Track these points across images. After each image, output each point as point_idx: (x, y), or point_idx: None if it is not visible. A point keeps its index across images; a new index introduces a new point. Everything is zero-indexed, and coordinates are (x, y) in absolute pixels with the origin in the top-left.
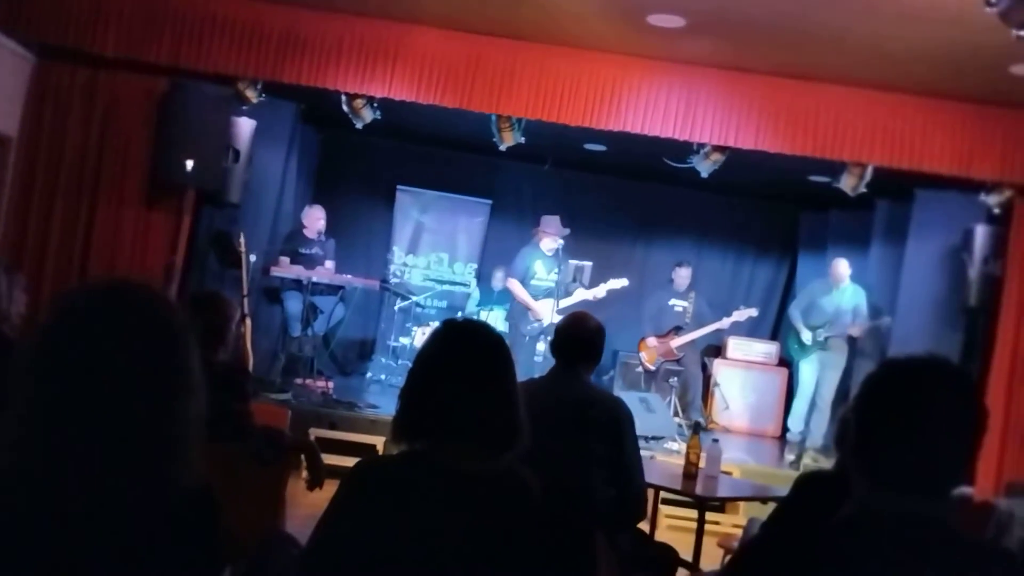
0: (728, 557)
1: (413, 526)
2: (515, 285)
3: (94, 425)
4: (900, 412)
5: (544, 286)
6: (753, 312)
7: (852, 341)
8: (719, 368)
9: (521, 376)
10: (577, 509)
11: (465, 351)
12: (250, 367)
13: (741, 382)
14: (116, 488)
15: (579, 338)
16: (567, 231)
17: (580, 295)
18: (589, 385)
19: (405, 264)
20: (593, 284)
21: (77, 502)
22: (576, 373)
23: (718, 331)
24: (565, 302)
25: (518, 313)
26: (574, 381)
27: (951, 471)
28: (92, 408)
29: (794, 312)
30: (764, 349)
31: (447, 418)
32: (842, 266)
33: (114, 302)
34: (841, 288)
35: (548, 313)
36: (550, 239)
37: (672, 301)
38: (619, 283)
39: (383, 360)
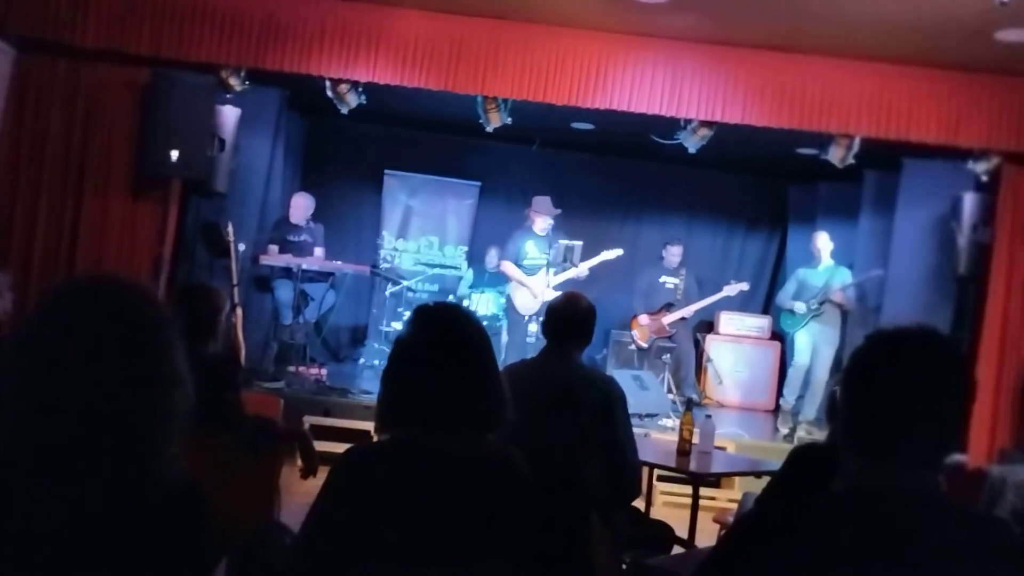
0: (723, 532)
1: (405, 510)
2: (509, 267)
3: (75, 420)
4: (888, 385)
5: (538, 266)
6: (744, 286)
7: (845, 314)
8: (712, 343)
9: (515, 357)
10: (569, 489)
11: (442, 335)
12: (242, 357)
13: (734, 357)
14: (98, 482)
15: (570, 318)
16: (558, 211)
17: (569, 273)
18: (580, 365)
19: (395, 249)
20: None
21: (60, 497)
22: (567, 353)
23: (710, 306)
24: (555, 280)
25: (515, 291)
26: (565, 361)
27: (941, 443)
28: (73, 404)
29: (783, 298)
30: (756, 323)
31: (430, 403)
32: (822, 238)
33: (94, 297)
34: (826, 266)
35: (542, 291)
36: (541, 219)
37: (663, 278)
38: (613, 253)
39: (376, 345)
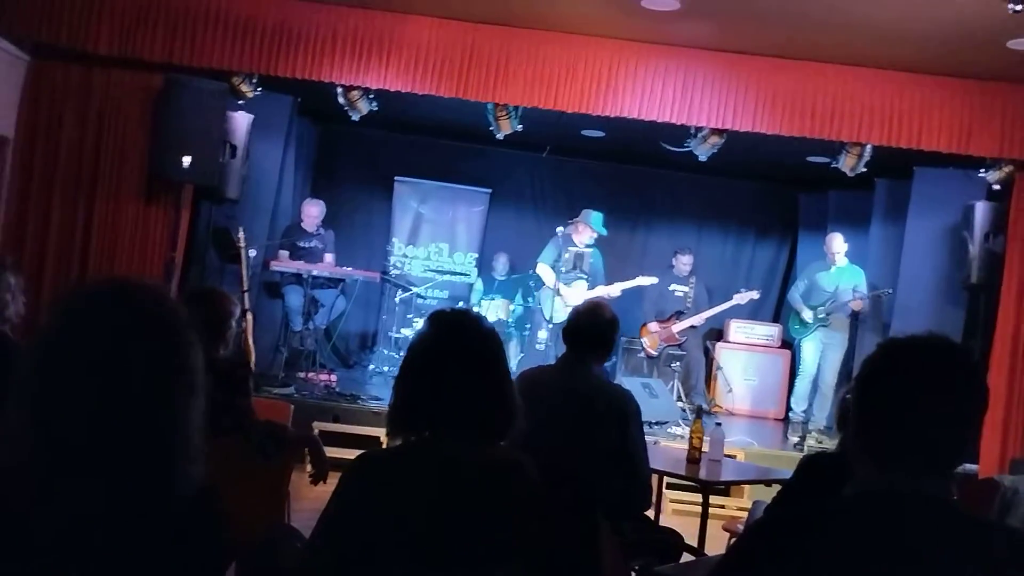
0: (733, 540)
1: (415, 516)
2: (545, 271)
3: (97, 425)
4: (901, 392)
5: (568, 276)
6: (755, 295)
7: (854, 320)
8: (721, 351)
9: (527, 363)
10: (580, 497)
11: (455, 341)
12: (252, 362)
13: (744, 365)
14: (118, 488)
15: (591, 328)
16: (605, 232)
17: (599, 291)
18: (597, 376)
19: (405, 255)
20: (607, 273)
21: (79, 499)
22: (585, 363)
23: (720, 314)
24: (586, 294)
25: (544, 298)
26: (583, 371)
27: (953, 451)
28: (95, 408)
29: (794, 295)
30: (766, 331)
31: (443, 408)
32: (836, 240)
33: (118, 301)
34: (839, 267)
35: (577, 298)
36: (587, 233)
37: (673, 286)
38: (648, 280)
39: (385, 352)
